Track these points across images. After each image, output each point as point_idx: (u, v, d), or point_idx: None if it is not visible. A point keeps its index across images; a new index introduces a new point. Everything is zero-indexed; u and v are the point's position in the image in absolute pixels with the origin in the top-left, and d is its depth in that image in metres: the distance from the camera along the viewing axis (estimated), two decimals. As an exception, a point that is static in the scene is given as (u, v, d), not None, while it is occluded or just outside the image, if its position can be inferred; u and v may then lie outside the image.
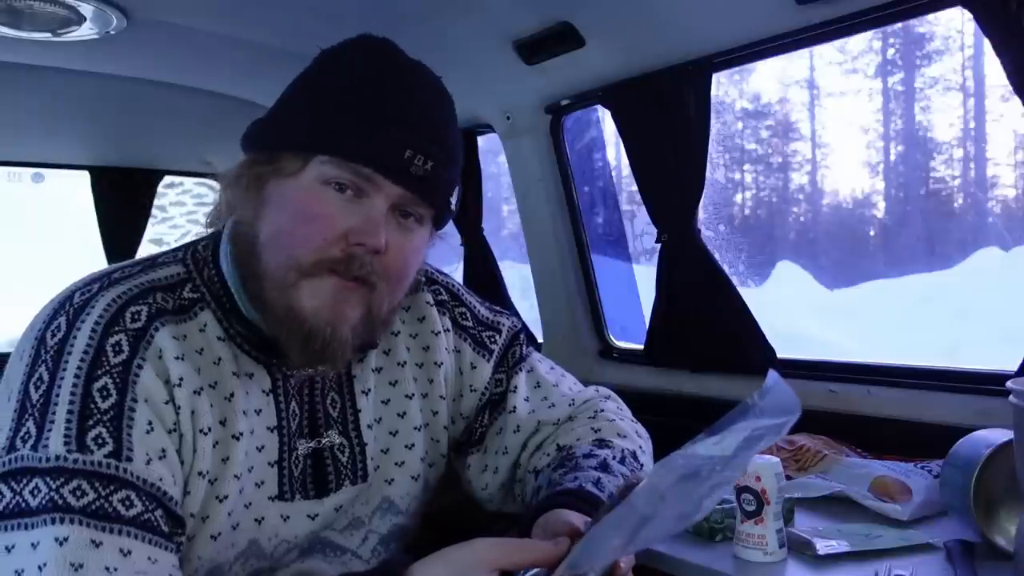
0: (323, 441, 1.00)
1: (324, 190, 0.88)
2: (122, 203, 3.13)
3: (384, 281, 0.91)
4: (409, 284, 0.98)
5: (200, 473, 0.88)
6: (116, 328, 0.85)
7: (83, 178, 3.16)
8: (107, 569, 0.76)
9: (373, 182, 0.88)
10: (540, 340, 2.51)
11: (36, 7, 1.82)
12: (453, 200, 0.97)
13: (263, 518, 0.95)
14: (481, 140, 2.57)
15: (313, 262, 0.87)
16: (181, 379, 0.87)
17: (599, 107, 2.20)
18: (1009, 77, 1.32)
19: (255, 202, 0.91)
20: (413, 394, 1.08)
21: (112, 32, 1.96)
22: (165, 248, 1.01)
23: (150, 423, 0.83)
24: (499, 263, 2.69)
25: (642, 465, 1.09)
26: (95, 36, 1.99)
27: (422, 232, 0.95)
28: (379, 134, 0.88)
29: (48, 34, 1.98)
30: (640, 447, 1.13)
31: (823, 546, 1.14)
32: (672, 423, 1.26)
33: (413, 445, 1.07)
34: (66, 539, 0.75)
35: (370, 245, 0.88)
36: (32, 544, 0.75)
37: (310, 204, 0.88)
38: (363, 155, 0.87)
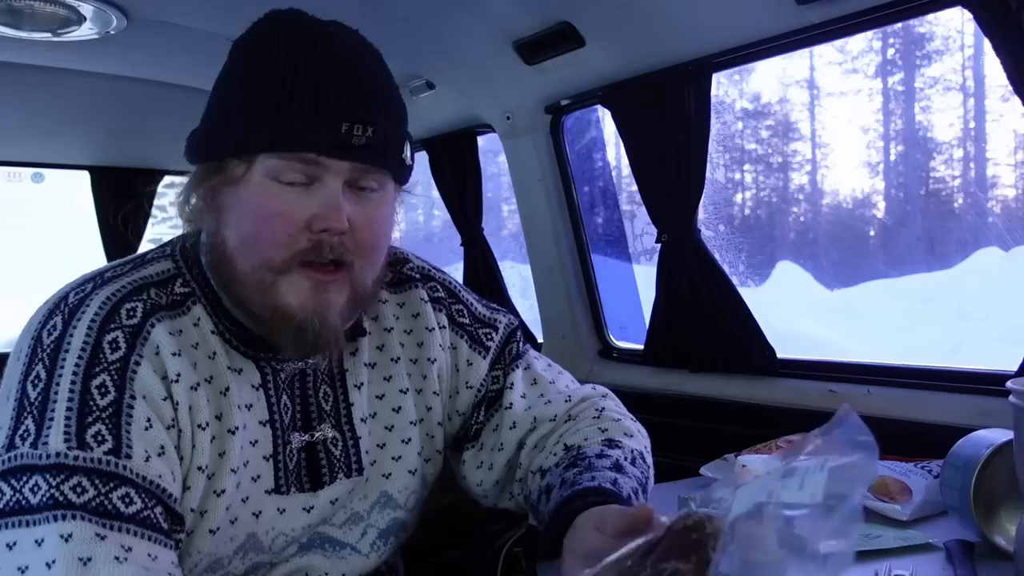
0: (316, 434, 1.00)
1: (274, 186, 0.88)
2: (122, 203, 3.13)
3: (359, 257, 0.91)
4: (385, 251, 0.97)
5: (199, 468, 0.88)
6: (112, 325, 0.85)
7: (83, 178, 3.16)
8: (116, 559, 0.76)
9: (320, 165, 0.88)
10: (540, 340, 2.51)
11: (36, 7, 1.82)
12: (407, 154, 0.95)
13: (260, 512, 0.96)
14: (481, 140, 2.57)
15: (284, 259, 0.88)
16: (178, 375, 0.87)
17: (599, 107, 2.20)
18: (1009, 77, 1.32)
19: (215, 213, 0.92)
20: (407, 389, 1.08)
21: (112, 32, 1.96)
22: (159, 247, 1.01)
23: (148, 420, 0.84)
24: (499, 263, 2.69)
25: (649, 466, 1.09)
26: (95, 36, 1.99)
27: (384, 196, 0.94)
28: (312, 116, 0.86)
29: (48, 34, 1.98)
30: (645, 447, 1.13)
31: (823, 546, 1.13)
32: (672, 423, 1.26)
33: (409, 440, 1.07)
34: (71, 535, 0.75)
35: (334, 228, 0.88)
36: (36, 541, 0.75)
37: (266, 203, 0.88)
38: (302, 142, 0.86)
